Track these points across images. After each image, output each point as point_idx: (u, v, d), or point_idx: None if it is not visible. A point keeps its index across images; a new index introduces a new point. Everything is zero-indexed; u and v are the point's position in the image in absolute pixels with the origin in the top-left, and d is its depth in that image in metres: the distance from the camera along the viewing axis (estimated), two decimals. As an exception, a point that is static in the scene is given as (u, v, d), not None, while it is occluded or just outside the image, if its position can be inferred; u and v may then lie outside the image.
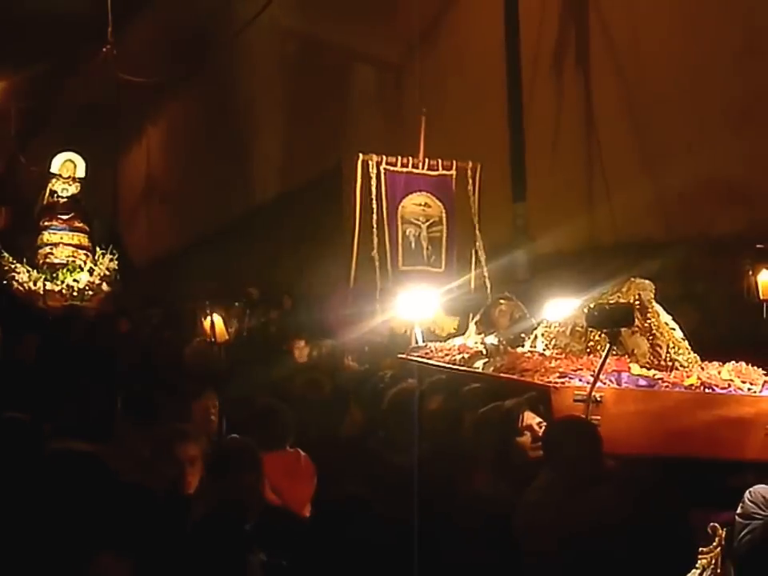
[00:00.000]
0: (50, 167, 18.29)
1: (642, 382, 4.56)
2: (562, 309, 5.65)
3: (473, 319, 6.89)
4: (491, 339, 5.87)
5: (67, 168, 18.26)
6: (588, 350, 5.08)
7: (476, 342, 6.06)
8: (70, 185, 18.22)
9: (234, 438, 5.04)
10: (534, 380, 4.71)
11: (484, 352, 5.51)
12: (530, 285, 10.19)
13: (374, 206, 9.51)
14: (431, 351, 6.27)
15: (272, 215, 17.26)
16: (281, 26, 16.84)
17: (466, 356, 5.67)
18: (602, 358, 4.41)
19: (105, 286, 17.20)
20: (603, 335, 4.94)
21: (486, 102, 11.83)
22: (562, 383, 4.54)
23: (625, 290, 5.03)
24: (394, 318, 8.84)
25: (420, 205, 9.87)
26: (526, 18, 11.16)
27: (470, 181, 10.07)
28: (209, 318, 9.50)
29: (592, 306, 4.66)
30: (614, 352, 4.95)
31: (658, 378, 4.61)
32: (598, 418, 4.42)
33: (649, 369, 4.77)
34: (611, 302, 4.84)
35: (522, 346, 5.61)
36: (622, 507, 3.97)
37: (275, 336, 9.78)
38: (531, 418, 4.53)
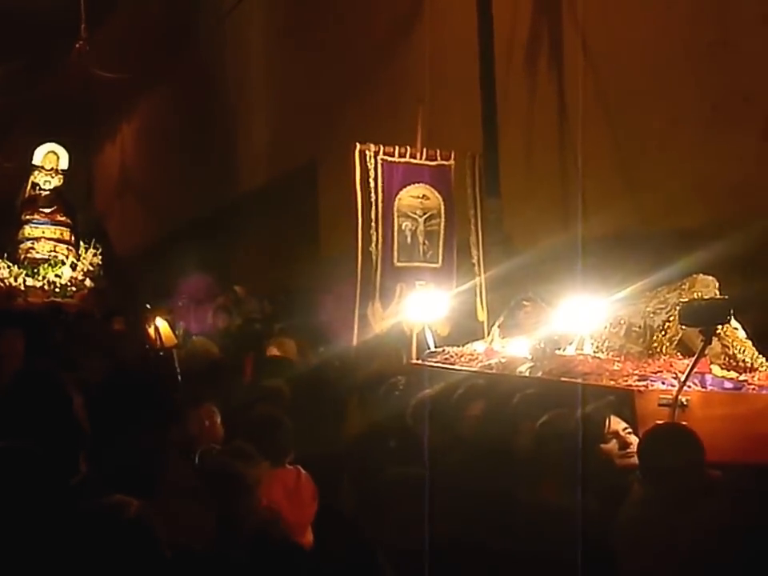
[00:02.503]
0: (32, 159, 17.37)
1: (728, 385, 4.21)
2: (587, 307, 5.20)
3: (494, 322, 6.42)
4: (519, 342, 5.45)
5: (50, 160, 17.37)
6: (649, 351, 4.68)
7: (503, 346, 5.64)
8: (53, 177, 17.33)
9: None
10: (607, 383, 4.31)
11: (528, 356, 5.08)
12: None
13: (373, 198, 8.83)
14: (452, 356, 5.83)
15: (246, 210, 16.68)
16: (255, 24, 16.35)
17: (503, 360, 5.23)
18: (694, 359, 4.04)
19: (88, 282, 16.37)
20: (666, 335, 4.59)
21: (459, 97, 11.43)
22: (645, 386, 4.14)
23: (687, 287, 4.66)
24: (381, 320, 8.32)
25: (418, 197, 9.15)
26: (498, 12, 10.77)
27: (469, 171, 9.41)
28: (153, 323, 8.83)
29: (685, 302, 4.25)
30: (678, 352, 4.61)
31: (743, 380, 4.24)
32: (684, 423, 4.05)
33: (727, 370, 4.39)
34: (705, 297, 4.44)
35: (561, 348, 5.19)
36: (733, 522, 3.60)
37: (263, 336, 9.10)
38: (617, 424, 4.13)
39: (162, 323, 8.86)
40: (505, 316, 6.26)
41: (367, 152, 8.94)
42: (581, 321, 5.16)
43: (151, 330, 8.92)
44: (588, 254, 10.00)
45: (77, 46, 17.63)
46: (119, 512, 3.39)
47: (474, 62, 10.83)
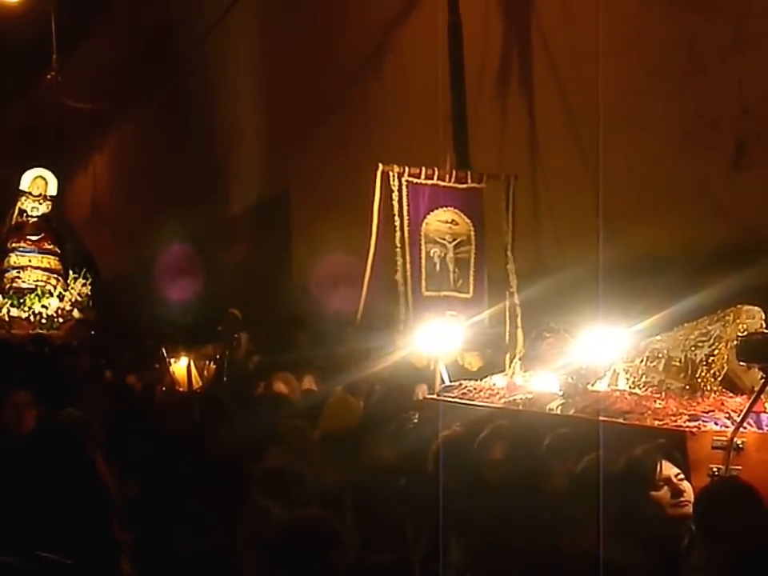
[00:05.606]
0: (18, 184, 16.34)
1: (785, 425, 3.83)
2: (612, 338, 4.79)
3: (515, 355, 5.96)
4: (543, 376, 5.03)
5: (38, 185, 16.28)
6: (691, 387, 4.29)
7: (525, 380, 5.22)
8: (41, 203, 16.25)
9: None
10: (651, 423, 3.92)
11: (559, 392, 4.67)
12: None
13: (397, 223, 8.06)
14: (470, 391, 5.39)
15: (227, 238, 16.15)
16: (238, 44, 15.91)
17: (530, 396, 4.81)
18: (753, 398, 3.67)
19: (76, 313, 15.41)
20: (710, 370, 4.22)
21: (432, 126, 11.12)
22: (698, 427, 3.76)
23: (731, 319, 4.28)
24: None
25: (446, 222, 8.37)
26: (469, 43, 10.53)
27: (504, 195, 8.63)
28: (178, 361, 8.11)
29: (743, 337, 3.88)
30: (723, 388, 4.24)
31: (801, 420, 3.88)
32: (739, 467, 3.69)
33: (782, 409, 4.03)
34: (764, 332, 4.07)
35: (591, 383, 4.77)
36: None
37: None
38: (669, 469, 3.70)
39: (186, 363, 8.09)
40: (526, 348, 5.80)
41: (390, 173, 8.15)
42: (607, 353, 4.74)
43: (176, 370, 8.25)
44: (558, 283, 9.73)
45: (48, 77, 17.06)
46: None
47: (445, 95, 10.58)
